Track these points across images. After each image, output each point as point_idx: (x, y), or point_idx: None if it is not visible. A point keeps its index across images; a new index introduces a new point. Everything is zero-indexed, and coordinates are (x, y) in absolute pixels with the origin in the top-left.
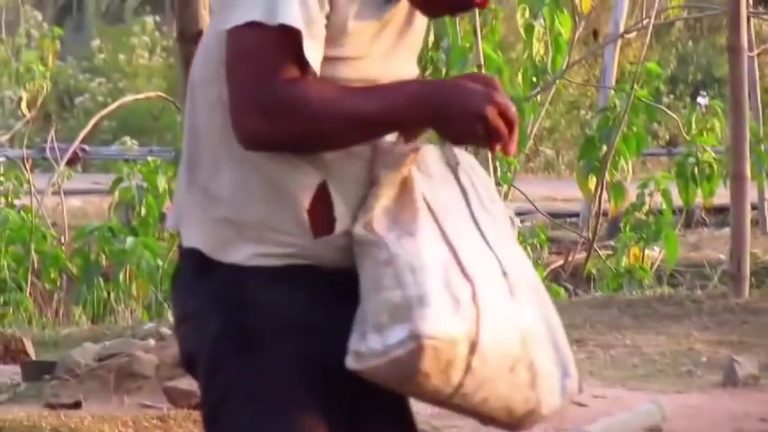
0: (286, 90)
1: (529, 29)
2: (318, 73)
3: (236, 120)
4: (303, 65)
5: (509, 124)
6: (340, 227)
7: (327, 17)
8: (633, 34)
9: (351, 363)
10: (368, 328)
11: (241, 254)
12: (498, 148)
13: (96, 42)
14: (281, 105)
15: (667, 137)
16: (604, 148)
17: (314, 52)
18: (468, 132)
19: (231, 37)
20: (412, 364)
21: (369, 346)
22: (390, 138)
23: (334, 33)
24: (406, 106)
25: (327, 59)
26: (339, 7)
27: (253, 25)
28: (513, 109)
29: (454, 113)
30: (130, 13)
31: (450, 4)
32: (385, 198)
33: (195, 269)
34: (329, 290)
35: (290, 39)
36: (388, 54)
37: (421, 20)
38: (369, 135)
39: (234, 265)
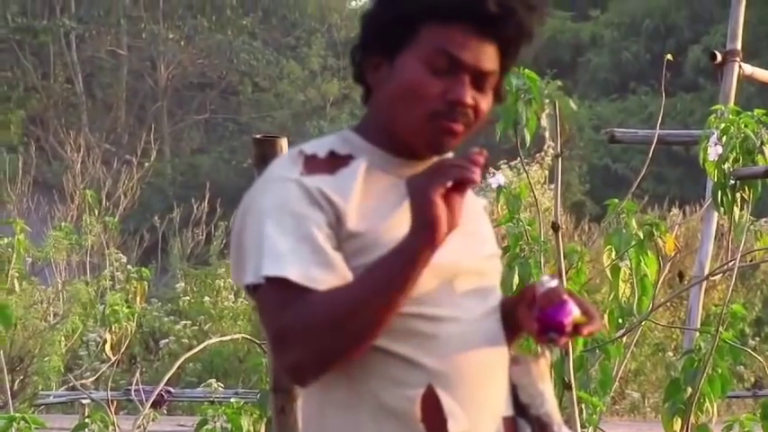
0: (290, 317)
1: (615, 270)
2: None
3: (275, 365)
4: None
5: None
6: (454, 426)
7: (346, 236)
8: (718, 277)
9: None
10: None
11: None
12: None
13: (181, 285)
14: (290, 331)
15: (752, 379)
16: (689, 390)
17: (323, 277)
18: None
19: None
20: None
21: None
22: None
23: (366, 244)
24: (404, 258)
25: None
26: (354, 227)
27: (250, 288)
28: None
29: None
30: (215, 255)
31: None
32: (556, 412)
33: None
34: None
35: (284, 282)
36: None
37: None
38: (389, 302)
39: None
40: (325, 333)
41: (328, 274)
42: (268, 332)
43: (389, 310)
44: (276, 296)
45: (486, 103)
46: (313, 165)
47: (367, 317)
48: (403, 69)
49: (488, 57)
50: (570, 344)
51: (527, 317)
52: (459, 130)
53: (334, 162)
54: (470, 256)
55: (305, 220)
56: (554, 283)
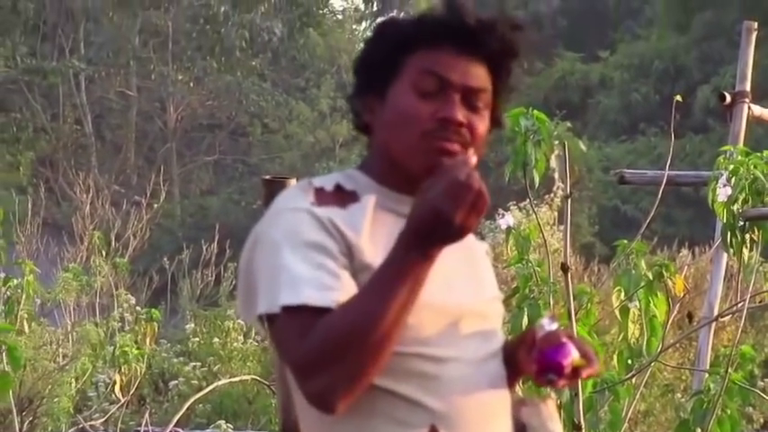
0: (311, 341)
1: (624, 311)
2: None
3: (301, 392)
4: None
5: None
6: None
7: (360, 268)
8: (727, 318)
9: None
10: None
11: None
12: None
13: (190, 326)
14: (312, 354)
15: (762, 420)
16: (699, 431)
17: (343, 300)
18: (461, 202)
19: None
20: None
21: None
22: (516, 395)
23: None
24: (402, 265)
25: None
26: (368, 259)
27: (263, 319)
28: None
29: (439, 218)
30: (225, 296)
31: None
32: None
33: None
34: None
35: (303, 309)
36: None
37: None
38: (397, 313)
39: None
40: (347, 345)
41: (347, 297)
42: (288, 361)
43: (406, 305)
44: (295, 323)
45: (482, 124)
46: (323, 197)
47: (384, 320)
48: (394, 99)
49: (476, 75)
50: (580, 385)
51: (526, 359)
52: (455, 150)
53: (343, 197)
54: (473, 299)
55: (319, 248)
56: (554, 326)
